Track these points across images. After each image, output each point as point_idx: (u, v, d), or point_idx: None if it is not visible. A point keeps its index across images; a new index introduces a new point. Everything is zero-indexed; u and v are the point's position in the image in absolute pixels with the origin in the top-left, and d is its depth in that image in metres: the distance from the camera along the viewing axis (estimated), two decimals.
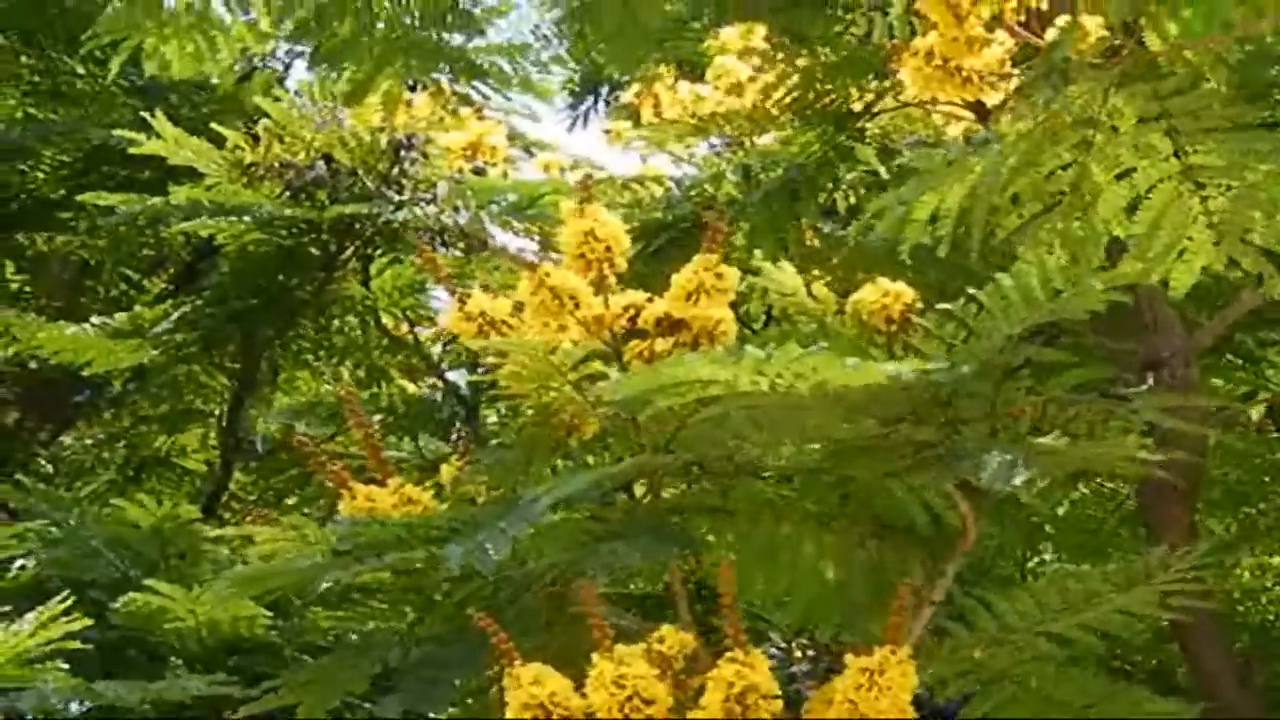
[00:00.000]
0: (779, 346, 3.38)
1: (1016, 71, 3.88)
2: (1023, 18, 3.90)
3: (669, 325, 4.09)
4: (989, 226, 3.94)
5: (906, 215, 3.97)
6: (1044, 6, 3.91)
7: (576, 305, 4.03)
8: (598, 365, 3.88)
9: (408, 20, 5.94)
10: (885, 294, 3.92)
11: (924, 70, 3.92)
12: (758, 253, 6.03)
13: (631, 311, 4.12)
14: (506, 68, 6.38)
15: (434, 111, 6.97)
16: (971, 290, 3.67)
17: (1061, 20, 3.87)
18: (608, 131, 7.34)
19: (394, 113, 6.48)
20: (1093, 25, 3.87)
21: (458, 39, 6.32)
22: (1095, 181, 3.83)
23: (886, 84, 5.98)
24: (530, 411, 4.17)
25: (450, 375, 7.62)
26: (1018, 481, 3.41)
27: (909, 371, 3.42)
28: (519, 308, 4.15)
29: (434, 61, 6.06)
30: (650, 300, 4.14)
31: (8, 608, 4.99)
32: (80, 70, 7.99)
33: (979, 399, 3.65)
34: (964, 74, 3.90)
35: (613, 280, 4.12)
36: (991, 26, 3.87)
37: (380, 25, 5.95)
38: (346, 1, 5.88)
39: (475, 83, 6.31)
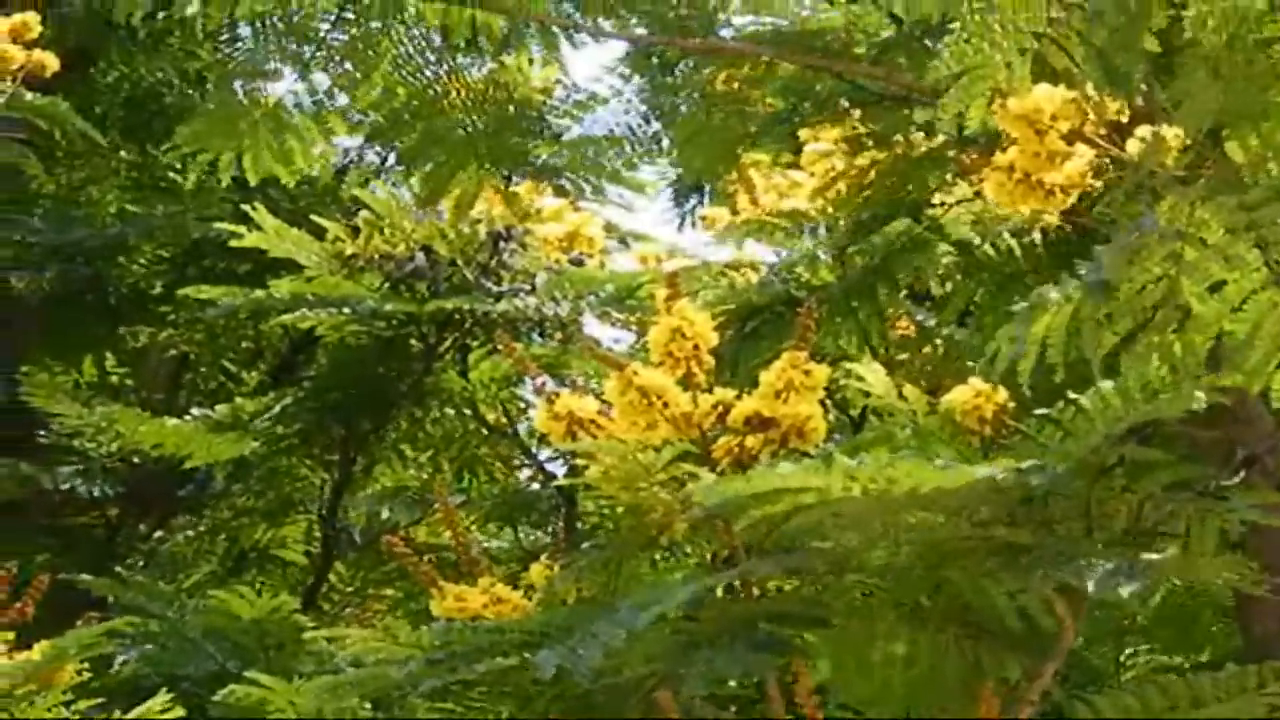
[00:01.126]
0: (871, 450, 3.34)
1: (1099, 184, 3.84)
2: (1103, 130, 3.85)
3: (758, 423, 4.04)
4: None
5: (1024, 346, 3.91)
6: (1124, 119, 3.87)
7: (665, 404, 4.00)
8: (687, 466, 3.84)
9: (481, 124, 5.96)
10: (978, 394, 3.87)
11: (1006, 185, 3.89)
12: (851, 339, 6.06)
13: (720, 409, 4.08)
14: (597, 161, 6.39)
15: (531, 203, 6.97)
16: (1070, 395, 3.62)
17: (1142, 132, 3.83)
18: (704, 218, 7.33)
19: (467, 213, 6.51)
20: (1173, 137, 3.82)
21: (551, 123, 6.35)
22: (1187, 295, 3.78)
23: (966, 179, 5.97)
24: (621, 510, 4.14)
25: (548, 465, 7.62)
26: (1124, 594, 3.34)
27: (1003, 473, 3.36)
28: (608, 405, 4.12)
29: (509, 162, 6.09)
30: (739, 397, 4.10)
31: (107, 705, 4.99)
32: (179, 165, 8.06)
33: (1073, 499, 3.59)
34: (1046, 187, 3.87)
35: (701, 377, 4.09)
36: (1071, 139, 3.83)
37: (459, 127, 5.97)
38: (419, 108, 5.91)
39: (568, 175, 6.33)
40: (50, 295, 8.21)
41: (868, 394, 4.16)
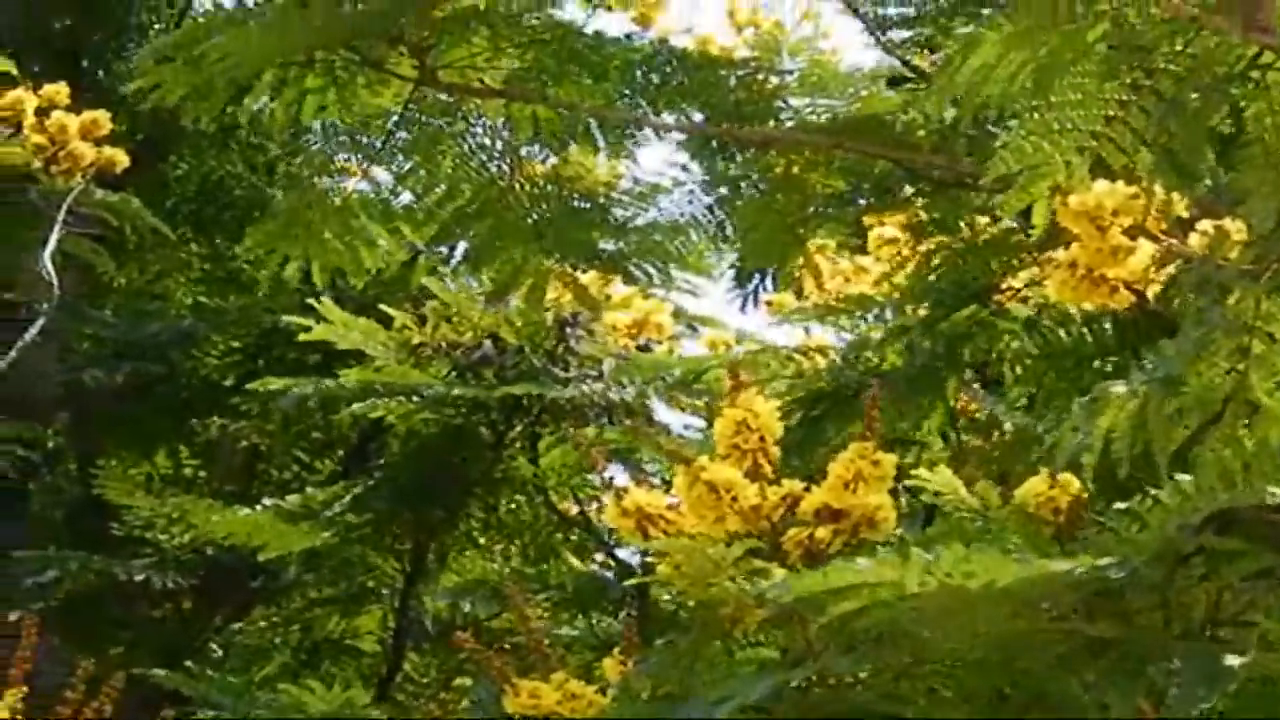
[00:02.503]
0: (945, 543, 3.35)
1: (1163, 278, 3.84)
2: (1166, 226, 3.86)
3: (828, 514, 4.05)
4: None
5: (1089, 439, 3.91)
6: (1187, 214, 3.87)
7: (734, 498, 4.01)
8: (758, 562, 3.85)
9: (547, 217, 6.00)
10: (1052, 486, 3.87)
11: (1069, 281, 3.90)
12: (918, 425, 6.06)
13: (789, 501, 4.09)
14: (662, 248, 6.42)
15: (600, 291, 7.01)
16: (1139, 486, 3.62)
17: (1206, 227, 3.84)
18: (770, 304, 7.36)
19: (538, 305, 6.54)
20: (1238, 231, 3.83)
21: (616, 214, 6.38)
22: (1257, 389, 3.77)
23: (1029, 264, 5.97)
24: (694, 603, 4.15)
25: (621, 553, 7.63)
26: (1213, 699, 3.34)
27: (1081, 568, 3.36)
28: (678, 499, 4.14)
29: (579, 254, 6.12)
30: (808, 488, 4.11)
31: None
32: (251, 263, 8.15)
33: (1151, 590, 3.58)
34: (1109, 282, 3.87)
35: (768, 469, 4.10)
36: (1134, 235, 3.84)
37: (525, 220, 6.00)
38: (486, 205, 5.95)
39: (634, 263, 6.36)
40: (123, 389, 8.29)
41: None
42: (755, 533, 3.97)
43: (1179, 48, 4.04)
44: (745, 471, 4.07)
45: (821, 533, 4.02)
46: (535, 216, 6.07)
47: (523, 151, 6.18)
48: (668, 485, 4.35)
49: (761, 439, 4.11)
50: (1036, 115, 4.03)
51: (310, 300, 6.97)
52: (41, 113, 7.77)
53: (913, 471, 4.17)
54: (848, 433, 5.33)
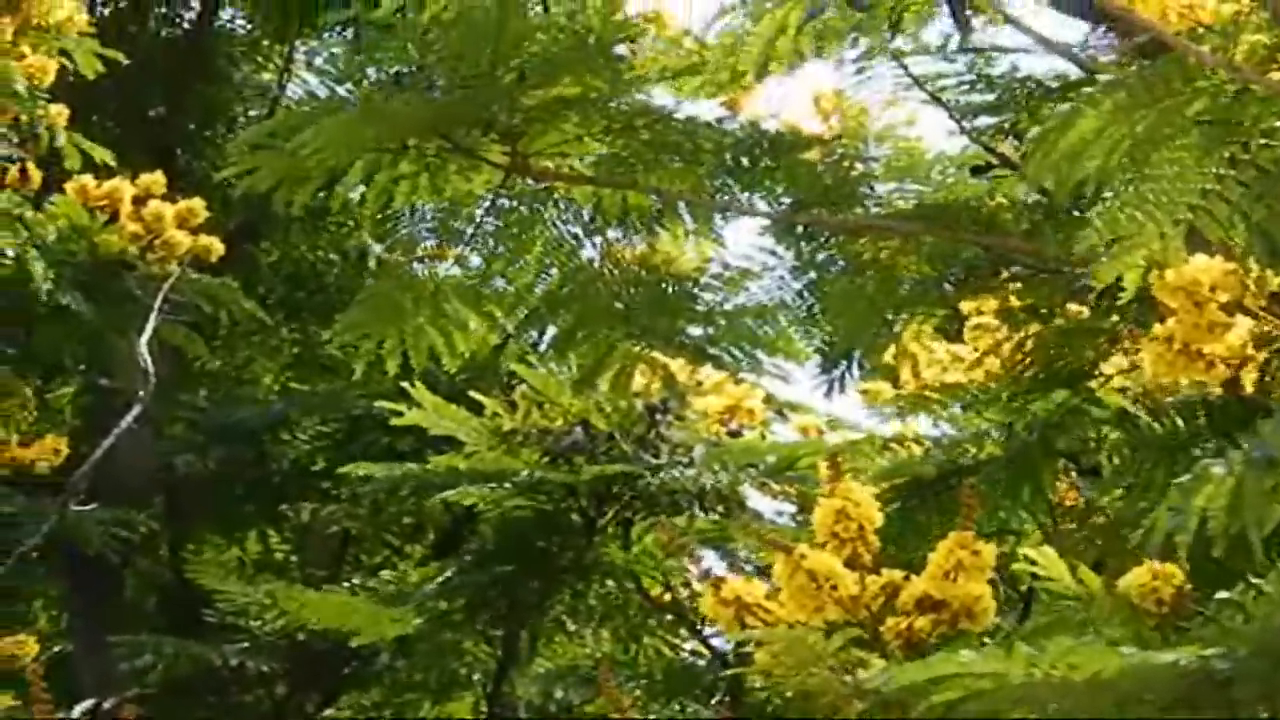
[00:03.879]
0: (1047, 634, 3.32)
1: (1261, 355, 3.81)
2: (1264, 302, 3.83)
3: (928, 604, 4.03)
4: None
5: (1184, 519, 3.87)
6: None
7: (833, 587, 3.99)
8: (857, 652, 3.83)
9: (636, 302, 6.01)
10: (1156, 576, 3.84)
11: (1165, 356, 3.87)
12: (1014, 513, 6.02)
13: (889, 590, 4.07)
14: (751, 333, 6.41)
15: (689, 377, 7.02)
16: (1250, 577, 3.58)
17: None
18: (864, 392, 7.33)
19: (626, 390, 6.54)
20: None
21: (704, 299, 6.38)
22: None
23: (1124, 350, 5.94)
24: (790, 691, 4.12)
25: (712, 639, 7.59)
26: None
27: (1186, 660, 3.32)
28: (776, 589, 4.12)
29: (667, 340, 6.12)
30: (907, 577, 4.09)
31: None
32: (343, 350, 8.18)
33: (1258, 681, 3.53)
34: (1206, 358, 3.85)
35: (867, 558, 4.08)
36: (1231, 310, 3.81)
37: (615, 306, 6.01)
38: (575, 290, 5.97)
39: (723, 348, 6.35)
40: (215, 474, 8.34)
41: (1036, 575, 4.14)
42: (855, 622, 3.95)
43: (1277, 124, 4.03)
44: (845, 560, 4.06)
45: (921, 623, 4.00)
46: (623, 302, 6.08)
47: (611, 236, 6.21)
48: (759, 572, 4.34)
49: (861, 528, 4.10)
50: (1131, 188, 4.02)
51: (403, 385, 6.99)
52: (138, 201, 7.88)
53: (1021, 556, 4.14)
54: (945, 522, 5.30)
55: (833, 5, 5.14)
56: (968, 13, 4.74)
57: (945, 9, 4.78)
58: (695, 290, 6.40)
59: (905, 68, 6.18)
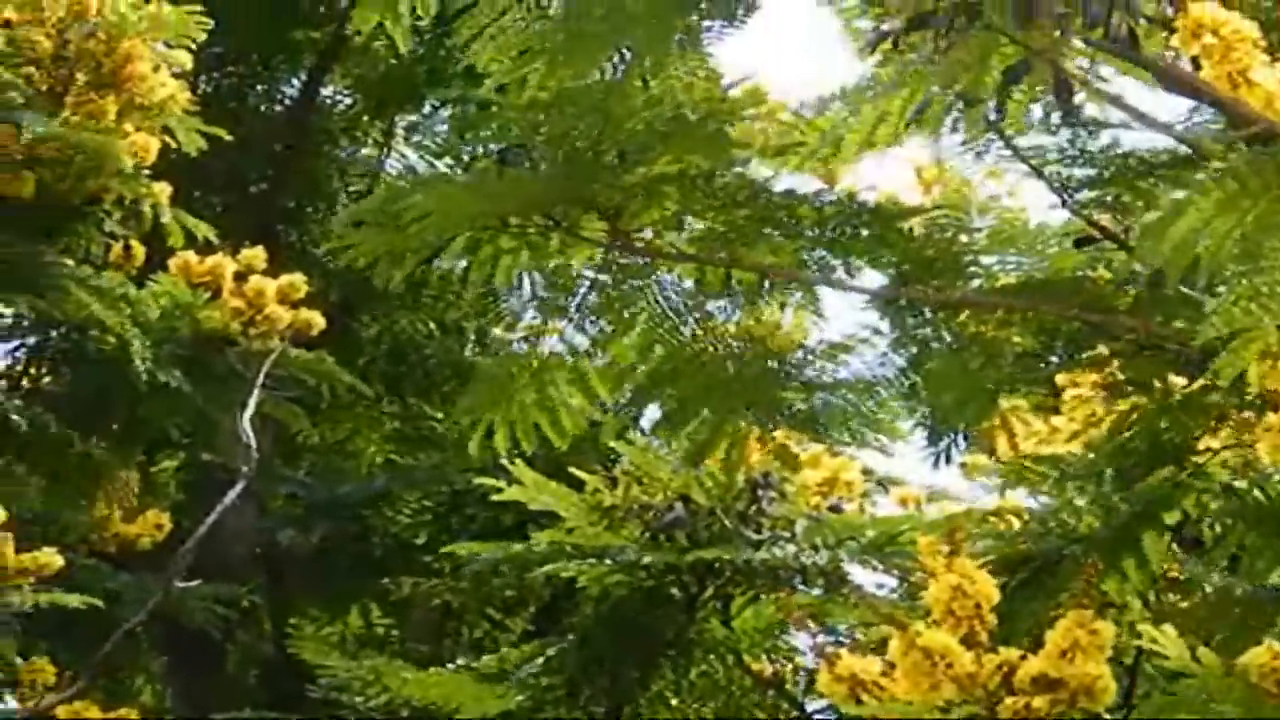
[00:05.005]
0: (1166, 713, 3.30)
1: None
2: None
3: (1046, 683, 4.00)
4: None
5: None
6: None
7: (949, 664, 3.98)
8: None
9: (739, 376, 6.00)
10: (1276, 656, 3.80)
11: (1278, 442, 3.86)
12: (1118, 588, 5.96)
13: (1006, 669, 4.04)
14: (852, 407, 6.40)
15: (789, 450, 6.99)
16: None
17: None
18: (964, 465, 7.30)
19: (737, 468, 6.53)
20: None
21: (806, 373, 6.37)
22: None
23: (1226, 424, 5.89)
24: None
25: (817, 715, 7.55)
26: None
27: None
28: (890, 665, 4.11)
29: (772, 414, 6.11)
30: (1024, 657, 4.07)
31: None
32: (439, 416, 8.22)
33: None
34: None
35: (984, 636, 4.07)
36: None
37: (718, 381, 6.01)
38: (679, 366, 5.97)
39: (824, 422, 6.33)
40: (317, 549, 8.38)
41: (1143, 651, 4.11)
42: (971, 701, 3.93)
43: None
44: (960, 638, 4.04)
45: (1039, 702, 3.98)
46: (728, 377, 6.08)
47: (713, 311, 6.21)
48: (860, 649, 4.32)
49: (977, 605, 4.09)
50: (1245, 280, 4.00)
51: (503, 461, 7.01)
52: (240, 276, 7.94)
53: (1129, 631, 4.12)
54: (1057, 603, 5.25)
55: (935, 98, 5.12)
56: (1071, 95, 4.71)
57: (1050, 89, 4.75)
58: (797, 364, 6.38)
59: (1007, 141, 6.16)
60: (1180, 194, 4.19)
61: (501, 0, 6.08)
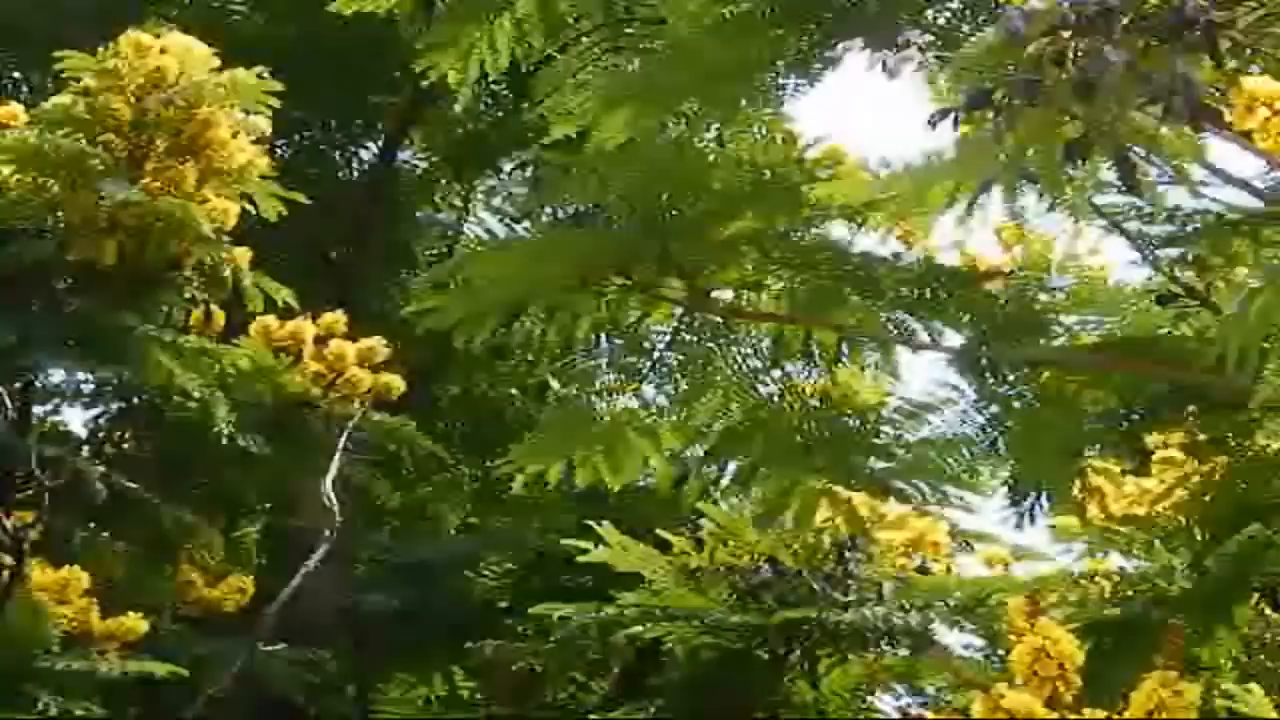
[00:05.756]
0: None
1: None
2: None
3: None
4: None
5: None
6: None
7: None
8: None
9: (818, 436, 5.96)
10: None
11: None
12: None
13: None
14: (935, 466, 6.35)
15: (874, 511, 6.96)
16: None
17: None
18: (1052, 527, 7.23)
19: (810, 526, 6.49)
20: None
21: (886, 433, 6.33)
22: None
23: None
24: None
25: None
26: None
27: None
28: None
29: (849, 475, 6.06)
30: (1109, 718, 4.03)
31: None
32: (512, 478, 8.19)
33: None
34: None
35: (1068, 698, 4.04)
36: None
37: (796, 441, 5.97)
38: (756, 425, 5.94)
39: (907, 482, 6.29)
40: (400, 612, 8.37)
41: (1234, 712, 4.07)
42: None
43: None
44: (1045, 700, 4.02)
45: None
46: (805, 437, 6.04)
47: (792, 371, 6.18)
48: (946, 711, 4.30)
49: (1061, 666, 4.07)
50: None
51: (586, 522, 7.01)
52: (320, 340, 7.98)
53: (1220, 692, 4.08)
54: (1137, 658, 5.20)
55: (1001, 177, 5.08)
56: (1134, 170, 4.68)
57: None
58: (876, 424, 6.34)
59: (1086, 200, 6.12)
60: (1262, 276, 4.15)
61: (577, 59, 6.09)
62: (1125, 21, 4.11)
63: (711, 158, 5.79)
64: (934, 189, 5.06)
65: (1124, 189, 5.45)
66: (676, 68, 5.66)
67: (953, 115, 4.32)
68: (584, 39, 6.05)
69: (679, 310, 5.94)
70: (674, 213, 5.71)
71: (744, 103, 5.87)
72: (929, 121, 4.45)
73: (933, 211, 5.32)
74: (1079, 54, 4.06)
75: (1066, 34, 4.09)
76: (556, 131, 6.15)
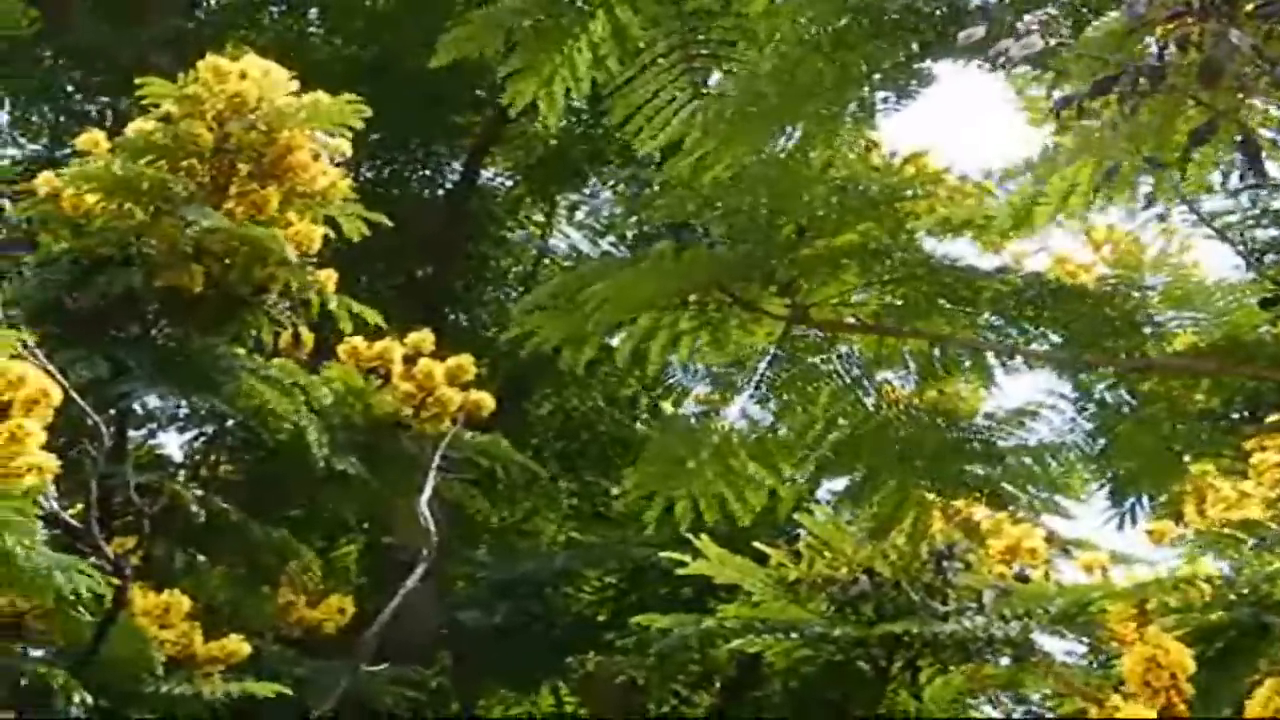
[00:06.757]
0: None
1: None
2: None
3: None
4: None
5: None
6: None
7: None
8: None
9: (922, 448, 5.96)
10: None
11: None
12: None
13: None
14: (1036, 472, 6.34)
15: (973, 518, 6.95)
16: None
17: None
18: (1150, 532, 7.19)
19: (923, 538, 6.49)
20: None
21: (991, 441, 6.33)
22: None
23: None
24: None
25: None
26: None
27: None
28: None
29: (957, 484, 6.06)
30: None
31: None
32: (615, 492, 8.22)
33: None
34: None
35: (1181, 708, 4.04)
36: None
37: (903, 453, 5.97)
38: (863, 438, 5.95)
39: (1008, 489, 6.28)
40: (500, 629, 8.40)
41: None
42: None
43: None
44: (1158, 710, 4.01)
45: None
46: (912, 447, 6.04)
47: (895, 383, 6.19)
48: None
49: (1173, 676, 4.06)
50: None
51: (684, 535, 7.00)
52: (409, 360, 8.00)
53: None
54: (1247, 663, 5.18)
55: (1123, 165, 5.07)
56: (1259, 154, 4.66)
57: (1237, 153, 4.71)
58: (981, 433, 6.34)
59: (1191, 205, 6.11)
60: None
61: (655, 80, 6.10)
62: (1250, 6, 4.09)
63: (808, 173, 5.78)
64: (1045, 200, 5.07)
65: (1247, 173, 5.43)
66: (774, 85, 5.66)
67: (1076, 101, 4.30)
68: (660, 60, 6.06)
69: (779, 326, 5.95)
70: (773, 228, 5.73)
71: (842, 118, 5.85)
72: (1050, 111, 4.43)
73: (1043, 220, 5.33)
74: (1203, 38, 4.04)
75: (1190, 18, 4.07)
76: (644, 150, 6.17)
